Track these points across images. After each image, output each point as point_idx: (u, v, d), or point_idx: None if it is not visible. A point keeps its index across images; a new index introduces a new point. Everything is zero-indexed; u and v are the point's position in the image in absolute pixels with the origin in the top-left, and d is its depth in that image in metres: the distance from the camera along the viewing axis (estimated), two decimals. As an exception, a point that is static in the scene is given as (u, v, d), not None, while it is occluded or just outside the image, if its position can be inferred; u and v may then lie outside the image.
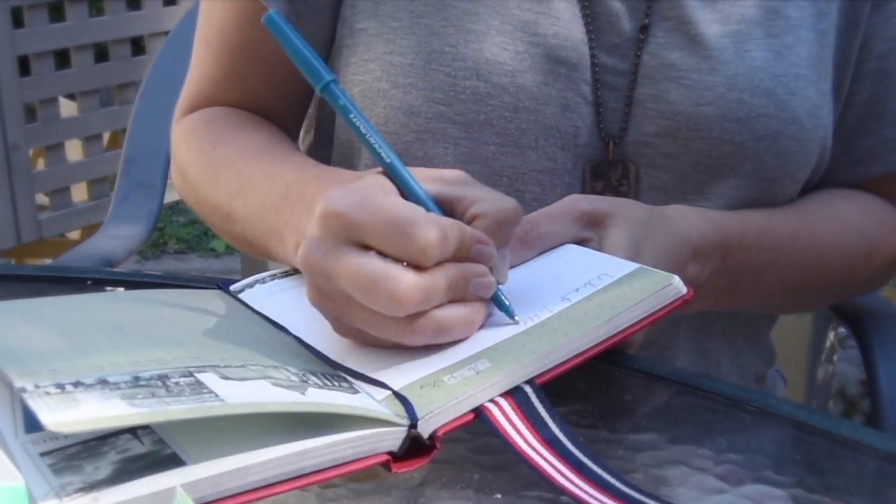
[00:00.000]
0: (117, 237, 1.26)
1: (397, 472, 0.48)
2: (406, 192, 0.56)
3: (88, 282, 0.71)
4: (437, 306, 0.53)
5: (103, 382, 0.45)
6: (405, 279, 0.51)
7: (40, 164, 2.42)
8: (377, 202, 0.53)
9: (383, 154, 0.57)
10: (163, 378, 0.46)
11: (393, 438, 0.48)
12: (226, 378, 0.47)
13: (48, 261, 2.27)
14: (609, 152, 0.77)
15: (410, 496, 0.48)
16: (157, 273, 0.71)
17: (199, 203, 0.83)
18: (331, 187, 0.59)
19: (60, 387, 0.44)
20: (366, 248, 0.52)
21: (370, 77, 0.78)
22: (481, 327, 0.55)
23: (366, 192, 0.54)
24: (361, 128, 0.58)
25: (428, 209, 0.55)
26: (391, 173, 0.57)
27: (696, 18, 0.76)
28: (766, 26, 0.77)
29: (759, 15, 0.77)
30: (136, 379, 0.46)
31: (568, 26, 0.76)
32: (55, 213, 2.39)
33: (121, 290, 0.70)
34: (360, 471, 0.47)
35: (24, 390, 0.43)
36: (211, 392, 0.45)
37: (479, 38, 0.75)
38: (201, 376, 0.47)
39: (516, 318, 0.56)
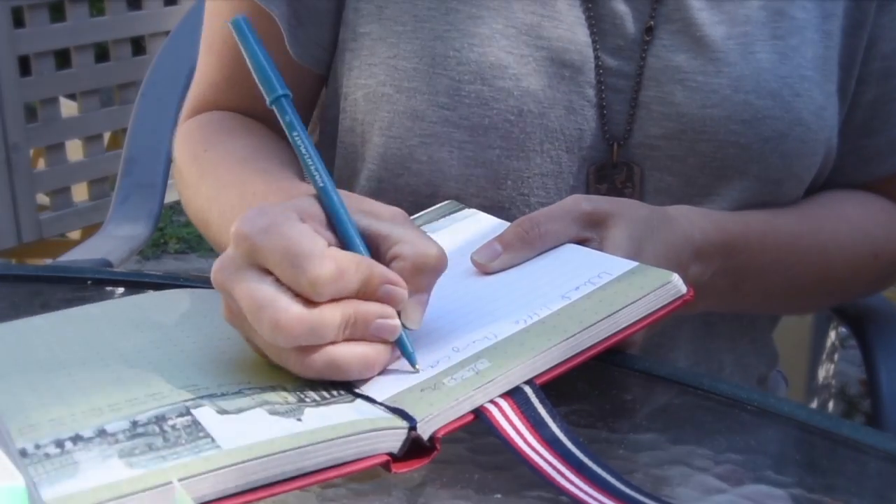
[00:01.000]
0: (118, 237, 1.26)
1: (397, 472, 0.48)
2: (333, 221, 0.54)
3: (89, 282, 0.71)
4: (333, 343, 0.51)
5: (102, 434, 0.46)
6: (290, 309, 0.49)
7: (41, 164, 2.42)
8: (281, 229, 0.51)
9: (317, 178, 0.56)
10: (160, 421, 0.47)
11: (393, 439, 0.48)
12: (223, 412, 0.48)
13: (49, 261, 2.27)
14: (613, 155, 0.77)
15: (410, 496, 0.48)
16: (157, 273, 0.71)
17: (188, 205, 0.83)
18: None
19: (60, 445, 0.45)
20: (267, 272, 0.51)
21: (374, 81, 0.78)
22: (387, 370, 0.53)
23: (276, 217, 0.52)
24: (302, 148, 0.56)
25: (349, 240, 0.54)
26: (323, 199, 0.55)
27: (701, 20, 0.76)
28: (771, 28, 0.77)
29: (764, 16, 0.77)
30: (134, 425, 0.46)
31: (572, 29, 0.76)
32: (56, 213, 2.40)
33: (120, 290, 0.70)
34: (360, 471, 0.47)
35: (24, 453, 0.44)
36: (207, 436, 0.45)
37: (483, 41, 0.75)
38: (198, 413, 0.47)
39: (417, 366, 0.53)
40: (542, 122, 0.76)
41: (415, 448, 0.48)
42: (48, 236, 2.37)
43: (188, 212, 0.84)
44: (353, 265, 0.51)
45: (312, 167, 0.56)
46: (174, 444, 0.45)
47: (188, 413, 0.47)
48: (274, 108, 0.57)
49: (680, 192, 0.77)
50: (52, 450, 0.44)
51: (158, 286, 0.69)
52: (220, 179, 0.76)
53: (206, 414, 0.47)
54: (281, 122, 0.57)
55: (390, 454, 0.48)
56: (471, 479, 0.48)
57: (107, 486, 0.42)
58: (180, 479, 0.43)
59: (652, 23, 0.76)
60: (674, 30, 0.76)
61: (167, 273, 0.71)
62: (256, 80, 0.58)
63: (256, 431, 0.46)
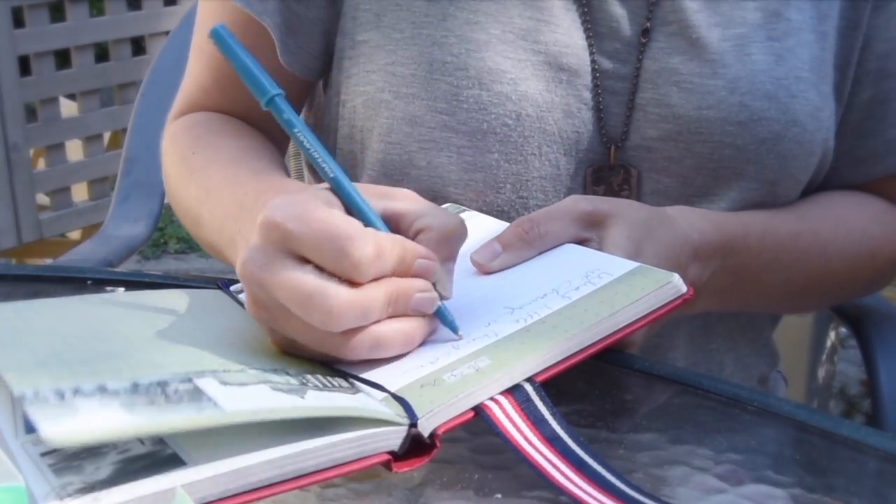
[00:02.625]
0: (118, 237, 1.26)
1: (398, 471, 0.48)
2: (351, 208, 0.55)
3: (89, 282, 0.71)
4: (376, 322, 0.52)
5: (102, 389, 0.45)
6: (340, 295, 0.50)
7: (41, 164, 2.42)
8: (315, 215, 0.52)
9: (327, 169, 0.56)
10: (162, 385, 0.46)
11: (393, 438, 0.48)
12: (225, 384, 0.47)
13: (49, 261, 2.27)
14: (611, 157, 0.77)
15: (410, 496, 0.48)
16: (157, 273, 0.71)
17: (177, 206, 0.84)
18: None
19: (59, 394, 0.44)
20: (304, 260, 0.51)
21: (373, 88, 0.78)
22: (426, 342, 0.54)
23: (307, 204, 0.53)
24: (305, 142, 0.56)
25: (371, 224, 0.54)
26: (337, 189, 0.56)
27: (697, 22, 0.76)
28: (767, 30, 0.77)
29: (759, 18, 0.77)
30: (135, 386, 0.46)
31: (568, 33, 0.76)
32: (56, 213, 2.40)
33: (121, 290, 0.70)
34: (361, 471, 0.47)
35: (23, 397, 0.43)
36: (210, 400, 0.45)
37: (481, 47, 0.75)
38: (200, 382, 0.47)
39: (459, 333, 0.55)
40: (540, 125, 0.76)
41: (415, 446, 0.48)
42: (48, 236, 2.37)
43: (177, 212, 0.84)
44: (389, 243, 0.52)
45: (320, 159, 0.56)
46: (176, 402, 0.44)
47: (190, 381, 0.47)
48: (270, 108, 0.57)
49: (677, 194, 0.77)
50: (52, 397, 0.43)
51: (158, 286, 0.69)
52: (210, 180, 0.76)
53: (208, 383, 0.47)
54: (279, 121, 0.57)
55: (391, 453, 0.48)
56: (471, 479, 0.48)
57: (107, 427, 0.41)
58: (181, 432, 0.42)
59: (648, 25, 0.77)
60: (670, 32, 0.77)
61: (167, 273, 0.72)
62: (247, 85, 0.58)
63: (259, 400, 0.46)
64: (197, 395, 0.45)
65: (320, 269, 0.51)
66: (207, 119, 0.87)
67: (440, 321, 0.55)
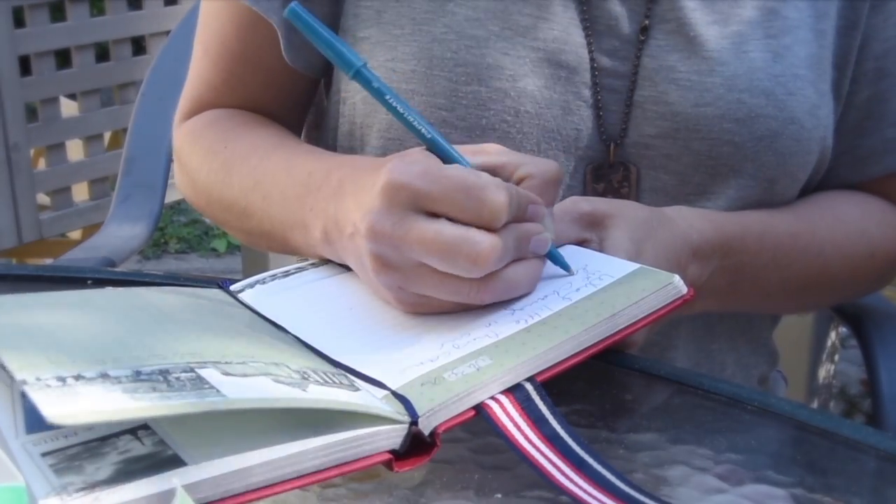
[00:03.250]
0: (118, 237, 1.26)
1: (399, 470, 0.48)
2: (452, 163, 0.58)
3: (89, 281, 0.71)
4: (506, 265, 0.56)
5: (104, 376, 0.45)
6: (484, 241, 0.53)
7: (41, 164, 2.41)
8: (442, 171, 0.55)
9: (423, 130, 0.59)
10: (164, 373, 0.46)
11: (394, 436, 0.48)
12: (227, 374, 0.47)
13: (49, 261, 2.27)
14: (610, 154, 0.77)
15: (410, 496, 0.48)
16: (157, 273, 0.71)
17: (212, 204, 0.83)
18: (357, 171, 0.62)
19: (61, 380, 0.44)
20: (433, 216, 0.54)
21: None
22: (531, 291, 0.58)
23: (427, 163, 0.56)
24: (399, 108, 0.59)
25: None
26: (434, 148, 0.59)
27: (695, 20, 0.76)
28: (764, 27, 0.77)
29: (757, 16, 0.77)
30: (138, 373, 0.46)
31: (567, 30, 0.77)
32: (56, 213, 2.39)
33: (121, 289, 0.70)
34: (361, 470, 0.47)
35: (25, 382, 0.43)
36: (212, 388, 0.45)
37: (480, 43, 0.75)
38: (202, 372, 0.47)
39: (572, 269, 0.59)
40: (539, 122, 0.76)
41: (416, 445, 0.48)
42: (48, 236, 2.37)
43: (211, 210, 0.84)
44: (512, 191, 0.56)
45: (415, 122, 0.59)
46: (179, 389, 0.45)
47: (192, 371, 0.47)
48: (357, 79, 0.59)
49: (675, 191, 0.77)
50: (53, 382, 0.44)
51: (158, 286, 0.69)
52: (256, 169, 0.76)
53: (210, 373, 0.47)
54: (368, 90, 0.59)
55: (392, 452, 0.48)
56: (471, 479, 0.48)
57: (110, 409, 0.42)
58: (183, 414, 0.42)
59: (647, 22, 0.77)
60: (668, 29, 0.77)
61: (167, 273, 0.72)
62: (331, 59, 0.60)
63: (261, 391, 0.46)
64: (199, 382, 0.46)
65: (452, 221, 0.54)
66: (227, 114, 0.87)
67: (551, 261, 0.59)
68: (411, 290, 0.56)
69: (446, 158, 0.58)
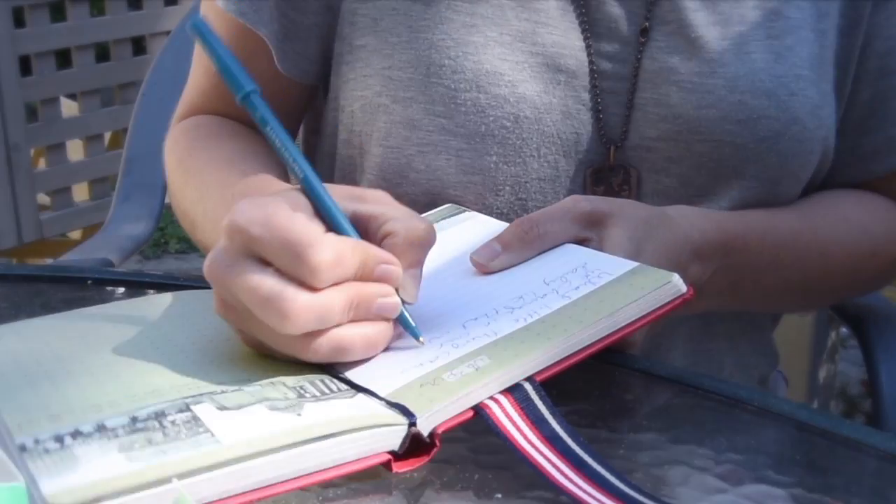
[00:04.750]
0: (118, 237, 1.26)
1: (398, 471, 0.48)
2: (320, 209, 0.55)
3: (89, 282, 0.71)
4: (338, 325, 0.52)
5: (101, 429, 0.46)
6: (297, 299, 0.50)
7: (41, 164, 2.42)
8: (276, 220, 0.52)
9: (297, 169, 0.56)
10: (160, 417, 0.47)
11: (393, 437, 0.48)
12: (222, 408, 0.48)
13: (49, 261, 2.27)
14: (610, 157, 0.77)
15: (410, 496, 0.48)
16: (157, 273, 0.71)
17: (176, 209, 0.85)
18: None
19: (59, 440, 0.45)
20: (266, 263, 0.52)
21: (370, 92, 0.78)
22: (390, 347, 0.55)
23: (270, 209, 0.52)
24: (276, 141, 0.57)
25: (338, 226, 0.54)
26: (306, 189, 0.56)
27: (696, 21, 0.76)
28: (766, 28, 0.77)
29: (759, 16, 0.77)
30: (134, 421, 0.46)
31: (566, 34, 0.77)
32: (56, 213, 2.40)
33: (121, 290, 0.70)
34: (361, 470, 0.47)
35: (24, 448, 0.44)
36: (207, 431, 0.45)
37: (478, 49, 0.75)
38: (197, 409, 0.47)
39: (421, 339, 0.55)
40: (539, 127, 0.76)
41: (415, 445, 0.48)
42: (49, 236, 2.37)
43: (177, 214, 0.86)
44: (350, 249, 0.52)
45: (290, 158, 0.57)
46: (174, 438, 0.45)
47: (188, 409, 0.47)
48: (245, 105, 0.57)
49: (677, 194, 0.77)
50: (52, 444, 0.44)
51: (159, 286, 0.69)
52: (203, 182, 0.77)
53: (205, 410, 0.47)
54: (253, 117, 0.58)
55: (391, 452, 0.48)
56: (471, 479, 0.48)
57: (107, 479, 0.42)
58: (180, 475, 0.43)
59: (647, 24, 0.77)
60: (668, 31, 0.77)
61: (167, 273, 0.72)
62: (223, 79, 0.58)
63: (256, 426, 0.46)
64: (194, 425, 0.46)
65: (280, 273, 0.51)
66: (206, 122, 0.87)
67: (401, 326, 0.55)
68: (248, 334, 0.54)
69: (316, 201, 0.55)
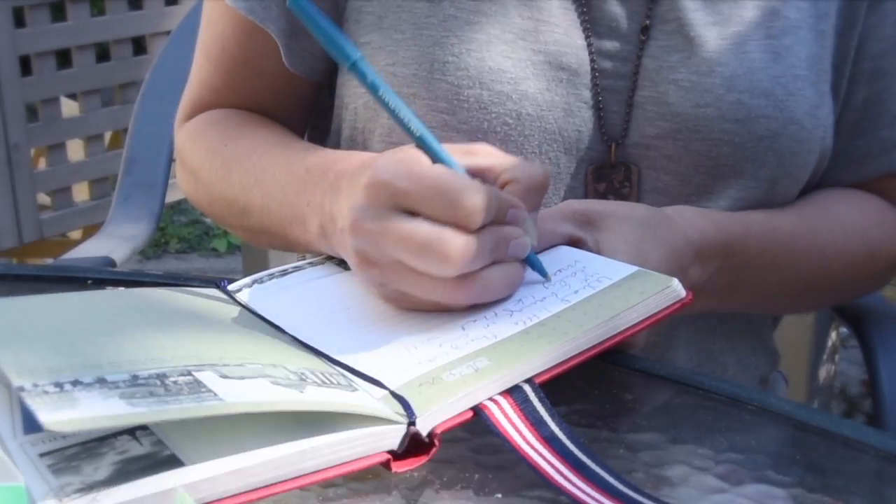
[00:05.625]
0: (119, 237, 1.26)
1: (397, 471, 0.48)
2: (439, 162, 0.58)
3: (89, 281, 0.71)
4: (483, 267, 0.55)
5: (102, 381, 0.45)
6: (456, 241, 0.54)
7: (42, 164, 2.42)
8: (423, 171, 0.56)
9: (413, 128, 0.59)
10: (161, 377, 0.46)
11: (392, 437, 0.48)
12: (224, 377, 0.47)
13: (49, 260, 2.27)
14: (611, 155, 0.78)
15: (410, 496, 0.48)
16: (157, 273, 0.71)
17: (213, 202, 0.84)
18: (352, 167, 0.63)
19: (59, 385, 0.44)
20: (413, 214, 0.55)
21: None
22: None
23: (411, 163, 0.56)
24: (391, 104, 0.59)
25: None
26: (424, 147, 0.59)
27: (695, 20, 0.76)
28: (765, 27, 0.77)
29: (758, 16, 0.77)
30: (135, 378, 0.46)
31: (567, 32, 0.77)
32: (56, 213, 2.39)
33: (121, 289, 0.70)
34: (361, 470, 0.47)
35: (22, 389, 0.43)
36: (209, 391, 0.45)
37: (482, 47, 0.76)
38: (200, 375, 0.47)
39: (549, 275, 0.59)
40: (541, 124, 0.76)
41: (414, 445, 0.48)
42: (49, 236, 2.37)
43: (212, 208, 0.85)
44: (492, 194, 0.56)
45: (405, 119, 0.59)
46: (176, 394, 0.45)
47: (189, 374, 0.47)
48: (353, 72, 0.59)
49: (676, 192, 0.77)
50: (51, 388, 0.44)
51: (158, 286, 0.69)
52: (255, 166, 0.77)
53: (207, 376, 0.47)
54: (363, 84, 0.59)
55: (390, 452, 0.48)
56: (471, 479, 0.48)
57: (107, 415, 0.42)
58: (181, 419, 0.43)
59: (647, 22, 0.77)
60: (668, 30, 0.77)
61: (167, 273, 0.72)
62: (328, 50, 0.59)
63: (259, 394, 0.46)
64: (196, 386, 0.46)
65: (430, 220, 0.54)
66: (228, 114, 0.87)
67: (530, 266, 0.59)
68: (392, 287, 0.57)
69: (435, 157, 0.58)
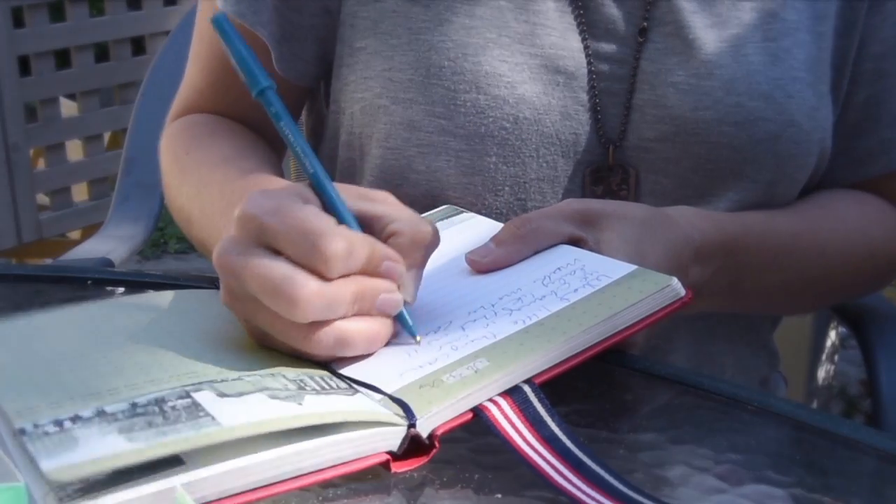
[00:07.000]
0: (118, 237, 1.26)
1: (397, 471, 0.48)
2: (327, 206, 0.56)
3: (89, 282, 0.71)
4: (342, 318, 0.52)
5: (101, 414, 0.45)
6: (308, 286, 0.51)
7: (41, 164, 2.42)
8: (291, 210, 0.53)
9: (307, 165, 0.57)
10: (160, 402, 0.47)
11: (392, 438, 0.48)
12: (223, 395, 0.47)
13: (49, 261, 2.27)
14: (609, 157, 0.77)
15: (410, 496, 0.48)
16: (157, 273, 0.71)
17: (171, 206, 0.85)
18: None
19: (59, 424, 0.45)
20: (278, 253, 0.52)
21: (370, 94, 0.78)
22: (389, 343, 0.55)
23: (283, 200, 0.54)
24: (290, 137, 0.58)
25: (345, 223, 0.55)
26: (315, 186, 0.57)
27: (693, 23, 0.76)
28: (763, 30, 0.77)
29: (756, 19, 0.77)
30: (133, 407, 0.46)
31: (564, 36, 0.77)
32: (56, 213, 2.39)
33: (120, 290, 0.70)
34: (360, 470, 0.47)
35: (23, 432, 0.44)
36: (207, 415, 0.45)
37: (478, 51, 0.75)
38: (198, 396, 0.47)
39: (418, 338, 0.55)
40: (538, 128, 0.76)
41: (414, 447, 0.48)
42: (48, 236, 2.37)
43: (171, 211, 0.86)
44: (360, 242, 0.53)
45: (301, 154, 0.57)
46: (174, 421, 0.45)
47: (188, 396, 0.47)
48: (260, 100, 0.58)
49: (675, 194, 0.77)
50: (51, 428, 0.44)
51: (158, 286, 0.69)
52: (201, 179, 0.77)
53: (205, 397, 0.47)
54: (268, 112, 0.58)
55: (390, 453, 0.48)
56: (471, 479, 0.48)
57: (107, 457, 0.42)
58: (181, 452, 0.43)
59: (645, 24, 0.77)
60: (666, 32, 0.77)
61: (167, 273, 0.72)
62: (240, 75, 0.58)
63: (257, 411, 0.46)
64: (194, 410, 0.46)
65: (293, 262, 0.52)
66: (203, 120, 0.87)
67: (400, 324, 0.55)
68: (253, 323, 0.55)
69: (325, 198, 0.56)
